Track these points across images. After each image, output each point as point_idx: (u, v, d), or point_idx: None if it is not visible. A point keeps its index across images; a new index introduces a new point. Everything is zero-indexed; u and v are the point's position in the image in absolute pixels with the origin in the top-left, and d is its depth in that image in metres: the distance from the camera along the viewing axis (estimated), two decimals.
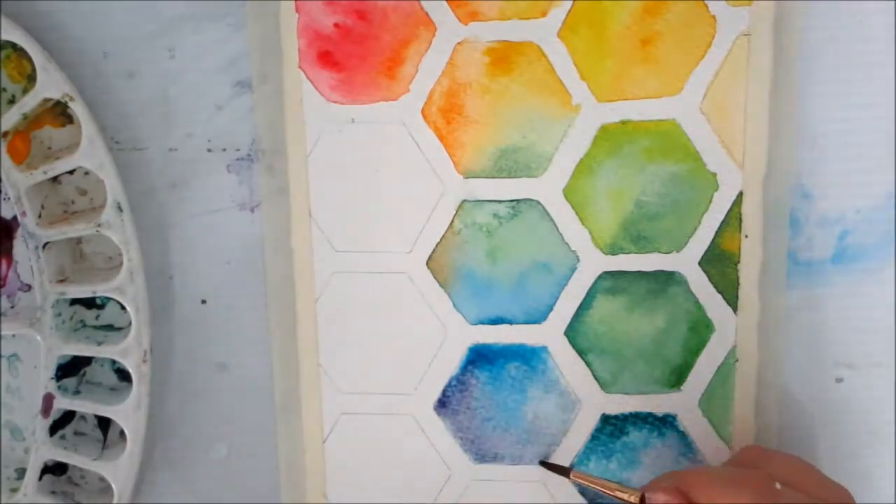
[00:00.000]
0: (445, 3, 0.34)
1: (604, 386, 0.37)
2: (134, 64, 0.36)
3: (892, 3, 0.34)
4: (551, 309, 0.36)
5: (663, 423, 0.36)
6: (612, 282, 0.36)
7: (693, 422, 0.36)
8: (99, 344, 0.36)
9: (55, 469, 0.38)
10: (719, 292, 0.36)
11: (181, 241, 0.37)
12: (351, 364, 0.37)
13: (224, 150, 0.36)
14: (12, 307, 0.37)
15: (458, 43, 0.35)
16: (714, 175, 0.35)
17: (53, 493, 0.37)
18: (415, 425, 0.37)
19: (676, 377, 0.36)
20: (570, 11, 0.34)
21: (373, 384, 0.37)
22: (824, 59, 0.34)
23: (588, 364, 0.36)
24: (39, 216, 0.36)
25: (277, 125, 0.36)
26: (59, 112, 0.36)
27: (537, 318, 0.36)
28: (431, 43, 0.35)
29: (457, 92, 0.35)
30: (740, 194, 0.35)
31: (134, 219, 0.35)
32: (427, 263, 0.36)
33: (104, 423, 0.38)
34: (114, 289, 0.35)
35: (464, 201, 0.36)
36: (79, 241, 0.37)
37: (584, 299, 0.36)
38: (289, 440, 0.38)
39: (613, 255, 0.36)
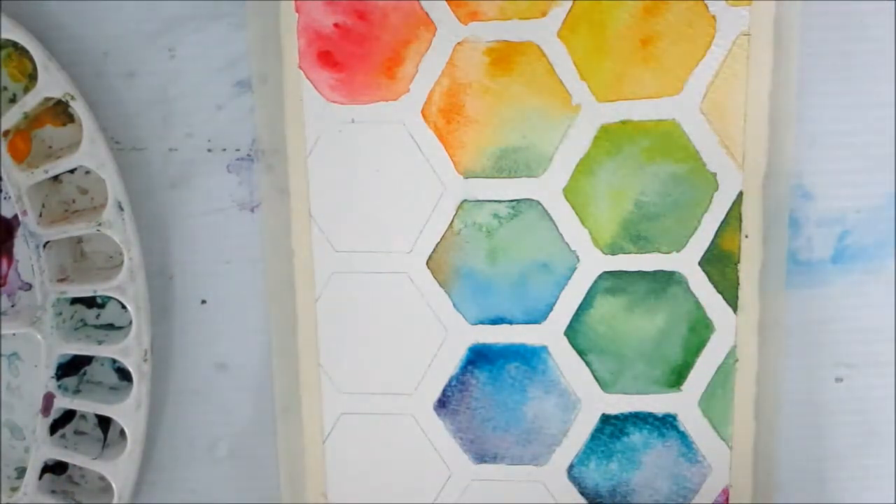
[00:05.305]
0: (445, 3, 0.34)
1: (604, 386, 0.36)
2: (134, 64, 0.36)
3: (892, 3, 0.34)
4: (551, 309, 0.36)
5: (663, 423, 0.36)
6: (612, 282, 0.36)
7: (693, 422, 0.36)
8: (99, 343, 0.36)
9: (55, 468, 0.38)
10: (719, 292, 0.36)
11: (181, 241, 0.37)
12: (351, 364, 0.37)
13: (224, 150, 0.36)
14: (13, 306, 0.37)
15: (458, 43, 0.35)
16: (714, 175, 0.35)
17: (53, 492, 0.37)
18: (415, 425, 0.37)
19: (676, 377, 0.36)
20: (570, 11, 0.34)
21: (373, 384, 0.37)
22: (824, 59, 0.34)
23: (588, 364, 0.36)
24: (40, 215, 0.36)
25: (277, 125, 0.36)
26: (60, 111, 0.36)
27: (537, 318, 0.36)
28: (431, 43, 0.35)
29: (457, 92, 0.35)
30: (740, 194, 0.35)
31: (134, 218, 0.35)
32: (427, 263, 0.36)
33: (104, 423, 0.38)
34: (114, 288, 0.35)
35: (464, 201, 0.36)
36: (79, 240, 0.37)
37: (584, 299, 0.36)
38: (289, 440, 0.38)
39: (613, 255, 0.36)
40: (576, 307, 0.36)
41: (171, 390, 0.38)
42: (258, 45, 0.35)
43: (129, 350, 0.35)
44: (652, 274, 0.36)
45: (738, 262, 0.35)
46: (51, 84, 0.34)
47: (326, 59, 0.35)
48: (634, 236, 0.35)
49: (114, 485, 0.36)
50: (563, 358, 0.36)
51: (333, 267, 0.36)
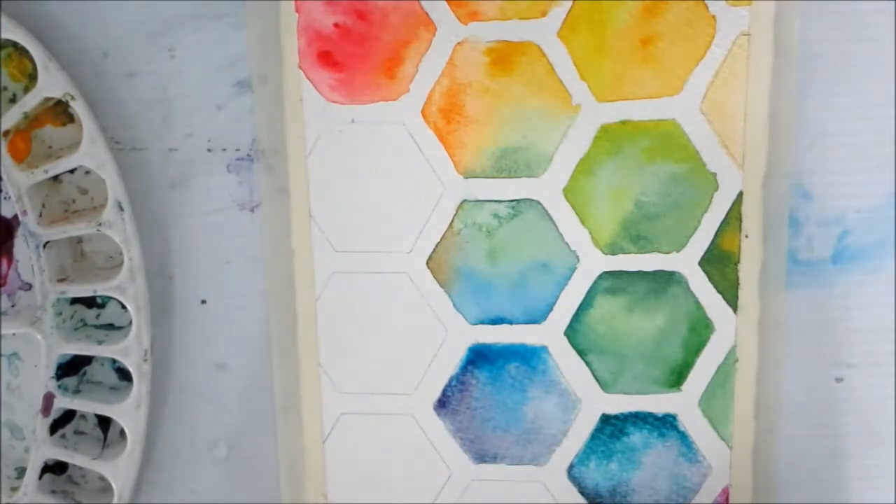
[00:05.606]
0: (445, 3, 0.34)
1: (604, 386, 0.36)
2: (134, 64, 0.36)
3: (892, 3, 0.34)
4: (551, 309, 0.36)
5: (663, 423, 0.36)
6: (612, 282, 0.36)
7: (693, 422, 0.36)
8: (99, 343, 0.36)
9: (55, 468, 0.38)
10: (719, 292, 0.36)
11: (181, 241, 0.37)
12: (351, 364, 0.37)
13: (224, 150, 0.36)
14: (13, 306, 0.37)
15: (458, 43, 0.35)
16: (714, 175, 0.35)
17: (53, 492, 0.37)
18: (415, 425, 0.37)
19: (676, 377, 0.36)
20: (570, 11, 0.34)
21: (373, 384, 0.37)
22: (824, 59, 0.34)
23: (588, 364, 0.36)
24: (40, 215, 0.36)
25: (277, 125, 0.36)
26: (60, 111, 0.36)
27: (537, 318, 0.36)
28: (431, 43, 0.35)
29: (457, 92, 0.35)
30: (740, 194, 0.35)
31: (134, 218, 0.35)
32: (427, 263, 0.36)
33: (104, 423, 0.38)
34: (114, 288, 0.35)
35: (464, 201, 0.36)
36: (79, 240, 0.37)
37: (584, 299, 0.36)
38: (289, 440, 0.38)
39: (613, 255, 0.36)
40: (576, 307, 0.36)
41: (171, 390, 0.38)
42: (258, 45, 0.35)
43: (129, 350, 0.35)
44: (652, 274, 0.36)
45: (738, 262, 0.35)
46: (51, 84, 0.34)
47: (326, 59, 0.35)
48: (634, 236, 0.35)
49: (114, 485, 0.36)
50: (563, 358, 0.36)
51: (333, 267, 0.36)
